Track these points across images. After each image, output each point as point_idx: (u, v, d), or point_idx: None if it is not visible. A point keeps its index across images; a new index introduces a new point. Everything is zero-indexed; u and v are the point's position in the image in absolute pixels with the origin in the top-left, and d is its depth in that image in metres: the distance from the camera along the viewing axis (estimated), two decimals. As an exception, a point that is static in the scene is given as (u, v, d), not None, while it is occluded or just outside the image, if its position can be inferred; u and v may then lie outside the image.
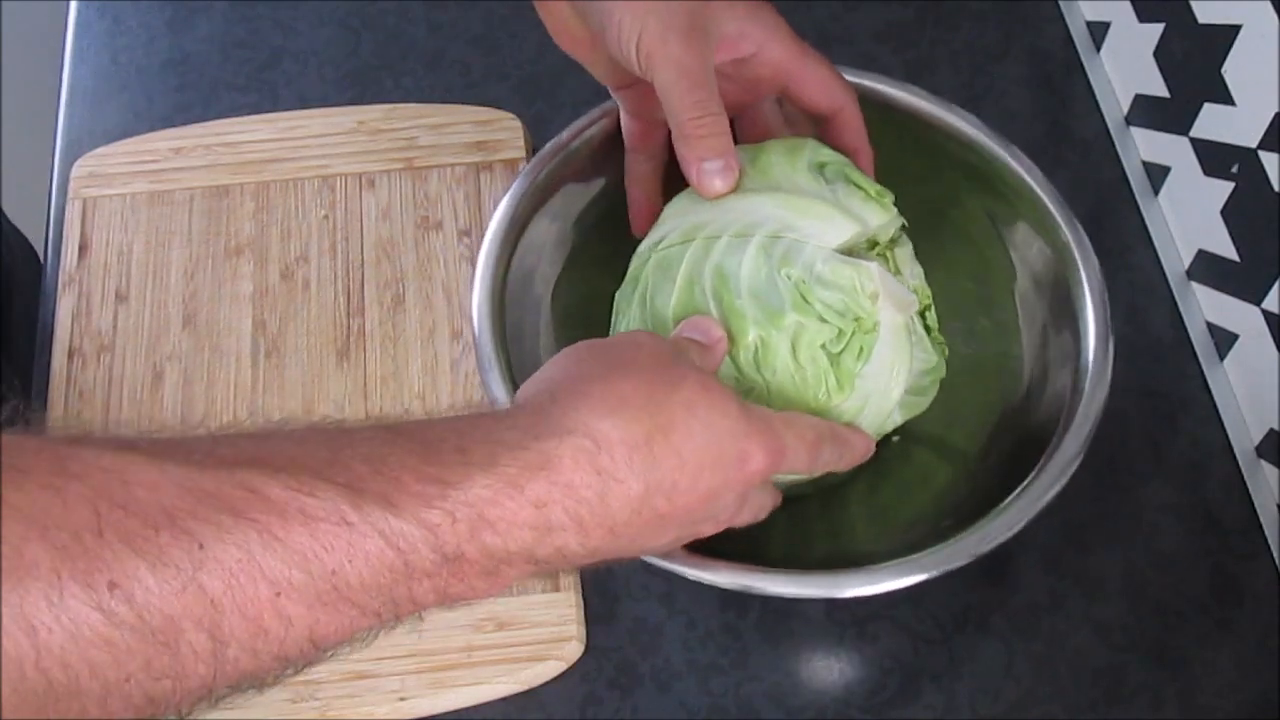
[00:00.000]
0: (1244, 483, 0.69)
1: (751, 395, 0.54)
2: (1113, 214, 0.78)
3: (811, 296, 0.53)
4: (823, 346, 0.53)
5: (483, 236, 0.62)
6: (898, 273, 0.58)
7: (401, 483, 0.40)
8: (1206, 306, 0.74)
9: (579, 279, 0.67)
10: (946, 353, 0.61)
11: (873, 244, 0.57)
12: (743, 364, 0.53)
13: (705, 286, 0.54)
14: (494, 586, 0.43)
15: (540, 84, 0.84)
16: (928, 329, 0.60)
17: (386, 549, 0.39)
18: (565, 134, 0.66)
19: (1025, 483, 0.58)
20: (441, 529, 0.40)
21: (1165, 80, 0.76)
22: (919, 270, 0.61)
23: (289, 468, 0.38)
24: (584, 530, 0.43)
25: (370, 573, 0.39)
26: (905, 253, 0.60)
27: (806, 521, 0.67)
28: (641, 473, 0.44)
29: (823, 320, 0.53)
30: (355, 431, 0.41)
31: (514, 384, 0.61)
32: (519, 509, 0.41)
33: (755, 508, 0.53)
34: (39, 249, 0.81)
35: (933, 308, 0.60)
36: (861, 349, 0.54)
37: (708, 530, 0.50)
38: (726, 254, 0.54)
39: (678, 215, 0.58)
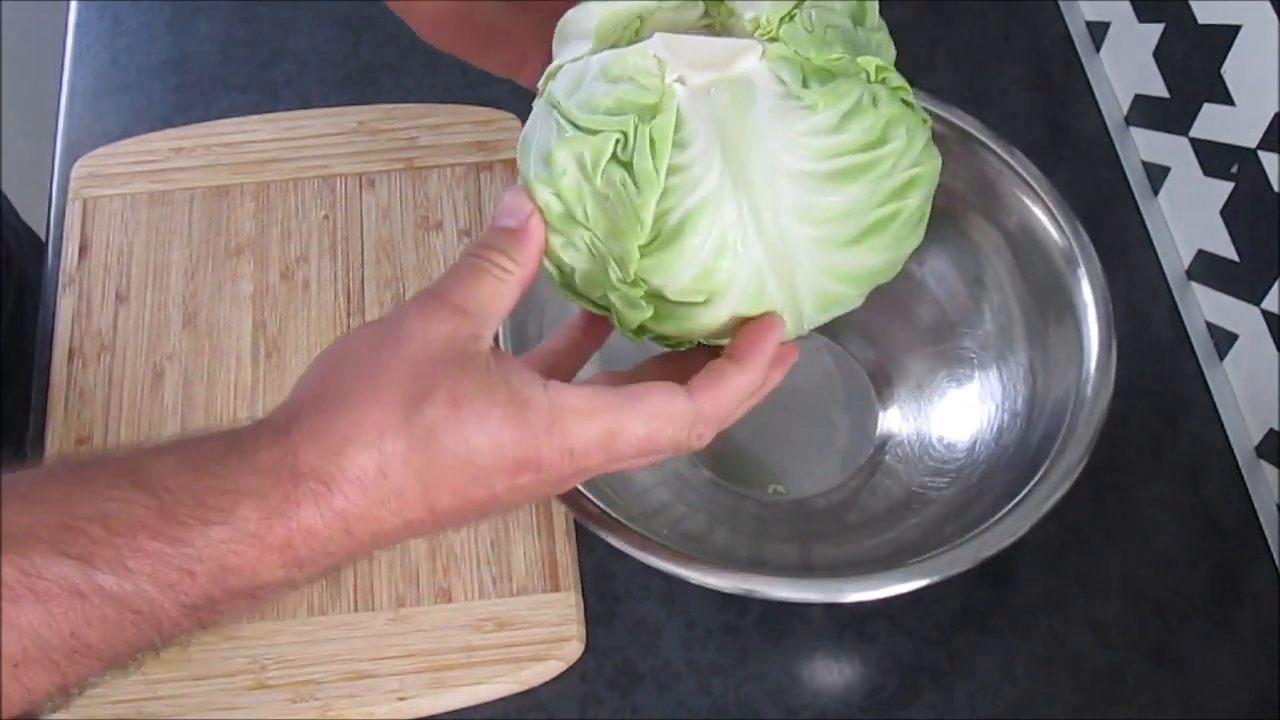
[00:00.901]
0: (1244, 483, 0.69)
1: (590, 248, 0.47)
2: (1113, 214, 0.78)
3: (573, 114, 0.45)
4: (613, 158, 0.45)
5: (482, 236, 0.62)
6: (730, 15, 0.47)
7: (136, 544, 0.40)
8: (1206, 306, 0.74)
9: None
10: (929, 121, 0.49)
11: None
12: (560, 224, 0.46)
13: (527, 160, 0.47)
14: (261, 604, 0.44)
15: (540, 84, 0.84)
16: (830, 73, 0.45)
17: (124, 611, 0.40)
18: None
19: (1027, 489, 0.58)
20: (180, 585, 0.41)
21: (1165, 80, 0.76)
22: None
23: (20, 541, 0.39)
24: (335, 557, 0.43)
25: (111, 632, 0.41)
26: None
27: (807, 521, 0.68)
28: (384, 500, 0.43)
29: (595, 132, 0.45)
30: (97, 478, 0.42)
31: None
32: (262, 554, 0.42)
33: (644, 462, 0.48)
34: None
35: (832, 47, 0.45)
36: (653, 140, 0.44)
37: (565, 487, 0.47)
38: (532, 125, 0.48)
39: None
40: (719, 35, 0.47)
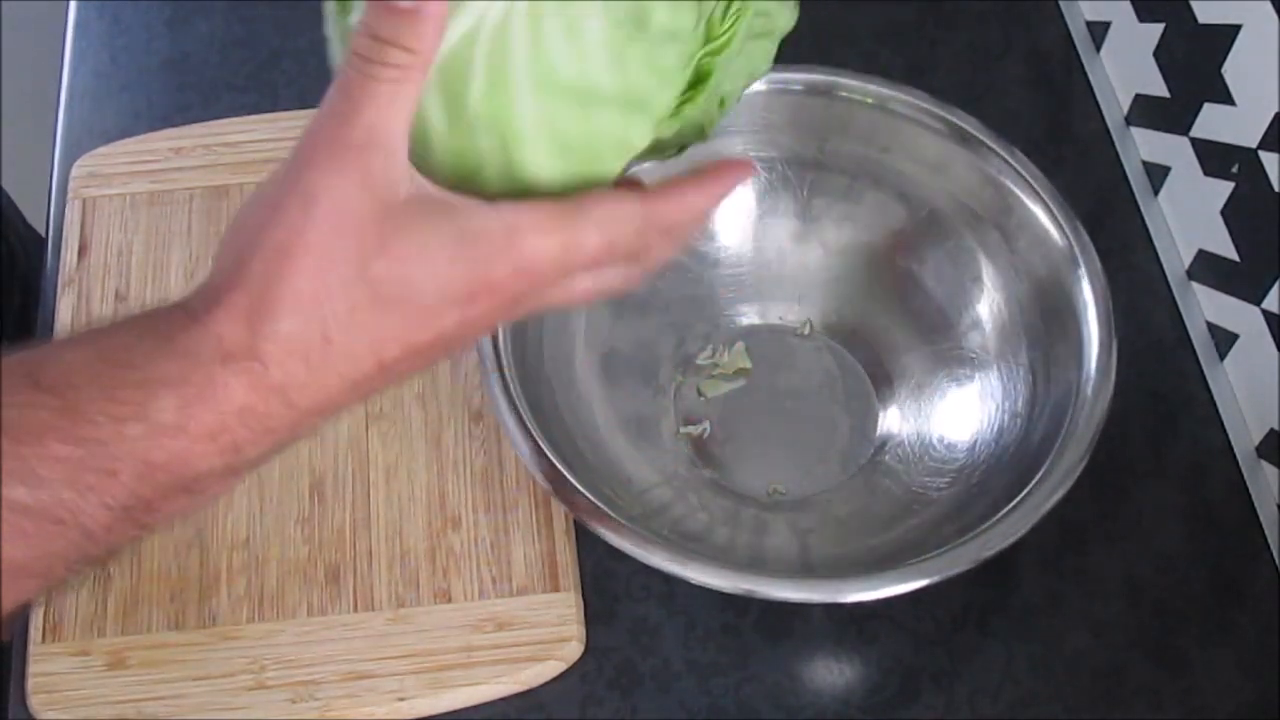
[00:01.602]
0: (1244, 483, 0.69)
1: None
2: (1113, 214, 0.78)
3: None
4: None
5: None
6: None
7: (45, 450, 0.37)
8: (1207, 306, 0.74)
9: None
10: None
11: None
12: None
13: None
14: (204, 496, 0.41)
15: (540, 84, 0.84)
16: None
17: (44, 523, 0.38)
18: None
19: (1027, 489, 0.58)
20: (101, 488, 0.38)
21: (1165, 80, 0.76)
22: None
23: None
24: (278, 433, 0.41)
25: (37, 546, 0.38)
26: None
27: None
28: (332, 364, 0.40)
29: None
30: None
31: (515, 386, 0.61)
32: (190, 444, 0.39)
33: (598, 289, 0.45)
34: (39, 249, 0.81)
35: None
36: None
37: (527, 309, 0.44)
38: None
39: None
40: None
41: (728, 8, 0.43)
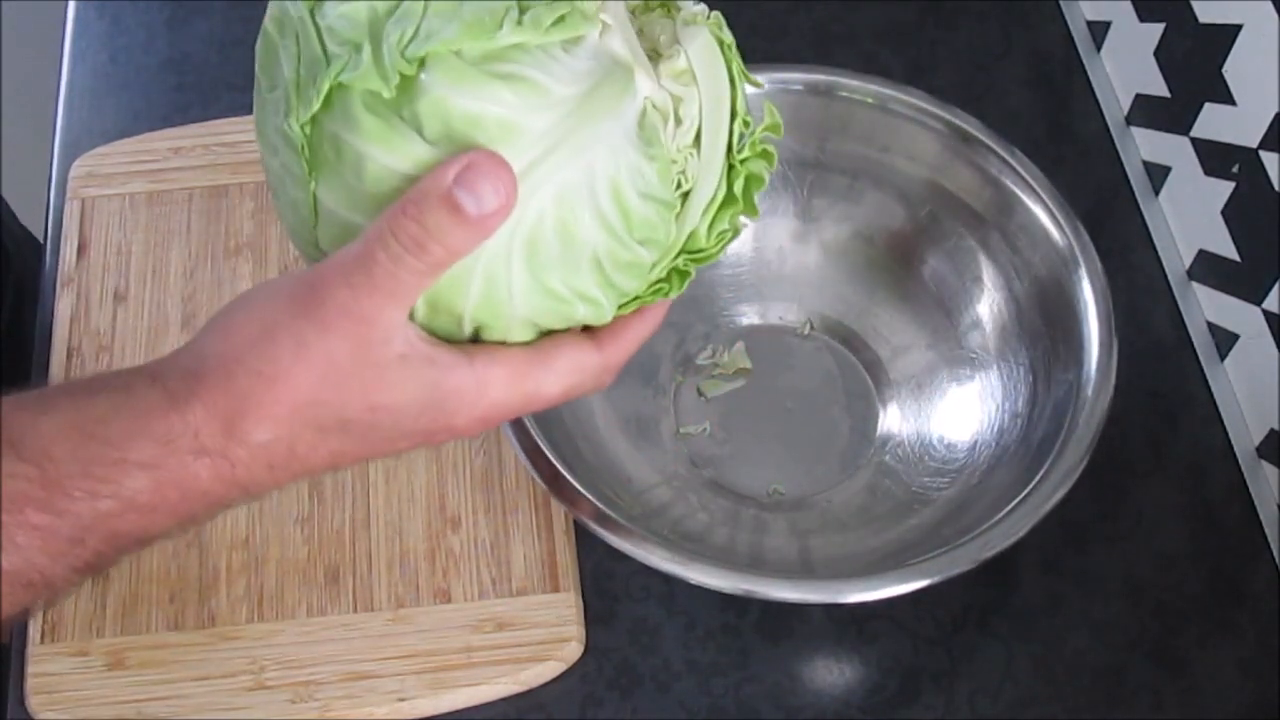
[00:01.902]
0: (1244, 483, 0.69)
1: (405, 2, 0.41)
2: (1113, 214, 0.78)
3: None
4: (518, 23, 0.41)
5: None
6: (665, 58, 0.45)
7: (23, 519, 0.41)
8: (1207, 306, 0.74)
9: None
10: (680, 228, 0.47)
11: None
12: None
13: None
14: (150, 545, 0.45)
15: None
16: (662, 160, 0.44)
17: (16, 586, 0.41)
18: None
19: (1027, 490, 0.58)
20: (71, 553, 0.42)
21: (1166, 80, 0.76)
22: (719, 80, 0.46)
23: None
24: (229, 508, 0.45)
25: (10, 606, 0.41)
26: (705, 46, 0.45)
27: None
28: (292, 472, 0.44)
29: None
30: None
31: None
32: (154, 518, 0.43)
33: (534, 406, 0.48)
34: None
35: (696, 146, 0.46)
36: (565, 19, 0.41)
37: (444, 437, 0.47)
38: None
39: None
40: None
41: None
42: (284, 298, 0.43)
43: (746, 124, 0.46)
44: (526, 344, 0.46)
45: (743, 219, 0.49)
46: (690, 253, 0.48)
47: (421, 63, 0.40)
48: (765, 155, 0.47)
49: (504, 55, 0.41)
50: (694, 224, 0.47)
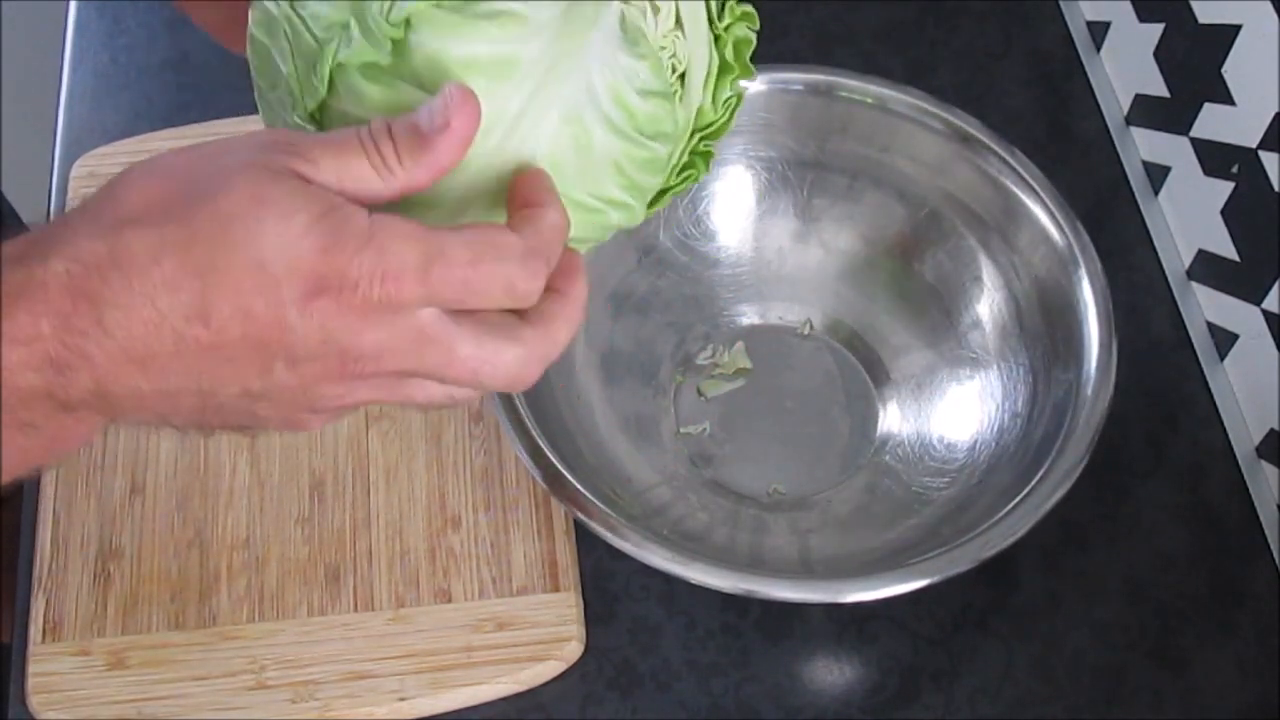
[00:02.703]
0: (1244, 483, 0.69)
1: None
2: (1113, 214, 0.78)
3: None
4: None
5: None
6: None
7: None
8: (1207, 306, 0.74)
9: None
10: (687, 110, 0.47)
11: None
12: None
13: None
14: (45, 440, 0.39)
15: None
16: (649, 44, 0.44)
17: None
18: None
19: (1027, 489, 0.58)
20: None
21: (1165, 80, 0.76)
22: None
23: None
24: (95, 365, 0.37)
25: None
26: None
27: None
28: (152, 293, 0.37)
29: None
30: None
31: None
32: (7, 350, 0.36)
33: (415, 393, 0.41)
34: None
35: (678, 27, 0.46)
36: None
37: (332, 396, 0.40)
38: None
39: None
40: None
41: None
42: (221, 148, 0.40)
43: None
44: None
45: (743, 83, 0.49)
46: (703, 130, 0.48)
47: (407, 23, 0.41)
48: (746, 16, 0.48)
49: None
50: (698, 101, 0.47)
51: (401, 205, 0.41)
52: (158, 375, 0.38)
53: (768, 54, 0.84)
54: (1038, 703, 0.64)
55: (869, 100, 0.68)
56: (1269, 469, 0.69)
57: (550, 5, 0.42)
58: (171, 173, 0.39)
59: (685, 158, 0.49)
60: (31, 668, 0.63)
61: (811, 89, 0.69)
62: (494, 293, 0.40)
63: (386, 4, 0.41)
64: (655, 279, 0.72)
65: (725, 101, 0.49)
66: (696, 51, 0.47)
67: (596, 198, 0.45)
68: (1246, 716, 0.63)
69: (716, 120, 0.49)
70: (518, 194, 0.42)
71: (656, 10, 0.45)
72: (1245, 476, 0.70)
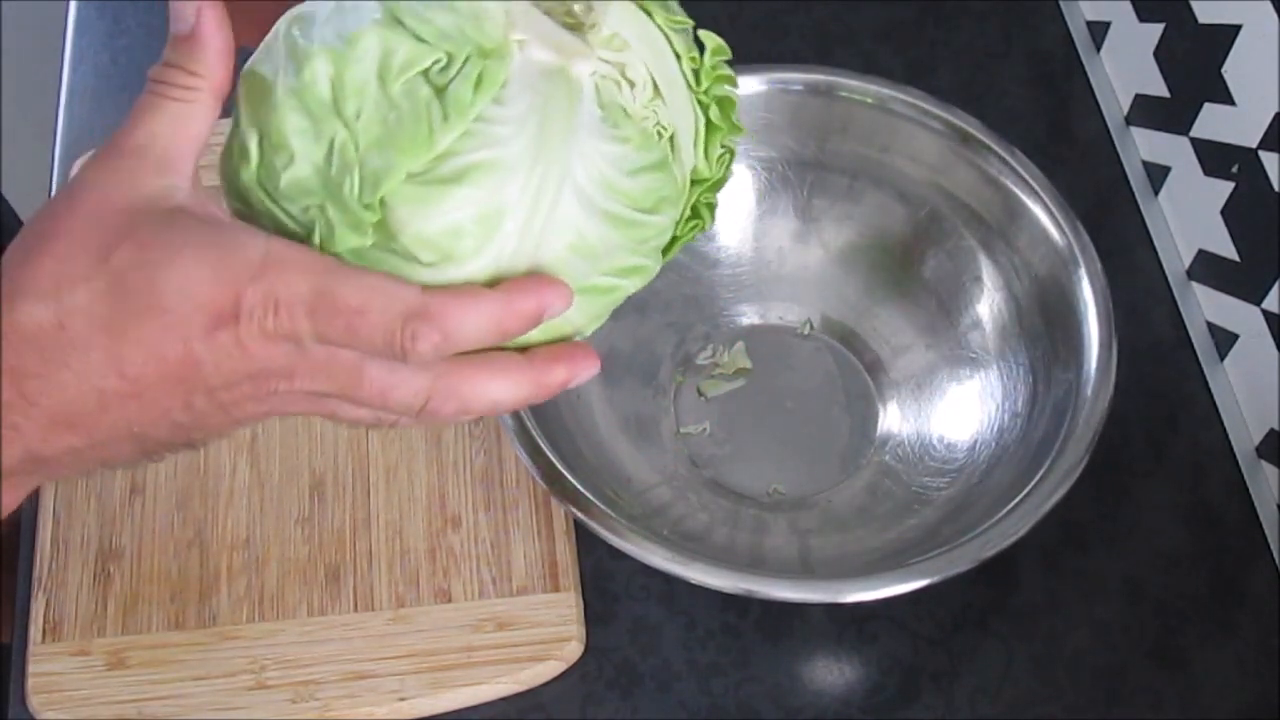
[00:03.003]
0: (1244, 483, 0.69)
1: (337, 151, 0.41)
2: (1113, 214, 0.78)
3: (406, 14, 0.41)
4: (424, 74, 0.41)
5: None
6: (589, 28, 0.44)
7: None
8: (1207, 306, 0.74)
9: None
10: (670, 151, 0.45)
11: None
12: (315, 107, 0.41)
13: (279, 35, 0.43)
14: None
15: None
16: (626, 113, 0.44)
17: None
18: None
19: (1027, 489, 0.58)
20: None
21: (1165, 80, 0.76)
22: (650, 32, 0.45)
23: None
24: (25, 434, 0.39)
25: None
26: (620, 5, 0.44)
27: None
28: (64, 359, 0.38)
29: (420, 41, 0.41)
30: None
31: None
32: None
33: (347, 356, 0.41)
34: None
35: (657, 95, 0.45)
36: (482, 77, 0.40)
37: (256, 407, 0.41)
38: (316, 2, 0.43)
39: None
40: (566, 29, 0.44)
41: None
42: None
43: (694, 59, 0.46)
44: None
45: (743, 83, 0.50)
46: (700, 184, 0.48)
47: (382, 203, 0.41)
48: (724, 78, 0.47)
49: (449, 150, 0.41)
50: (692, 161, 0.47)
51: None
52: (88, 431, 0.40)
53: (768, 54, 0.84)
54: (1038, 703, 0.64)
55: (869, 100, 0.68)
56: (1269, 469, 0.69)
57: (522, 128, 0.41)
58: (58, 238, 0.40)
59: (688, 210, 0.48)
60: (31, 668, 0.63)
61: (811, 89, 0.69)
62: (376, 342, 0.40)
63: (356, 187, 0.41)
64: (655, 279, 0.72)
65: (719, 158, 0.48)
66: (681, 115, 0.46)
67: (610, 277, 0.45)
68: (1246, 716, 0.63)
69: (713, 176, 0.48)
70: (511, 280, 0.43)
71: (632, 84, 0.44)
72: (1245, 476, 0.70)
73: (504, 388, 0.43)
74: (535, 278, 0.42)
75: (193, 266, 0.39)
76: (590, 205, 0.43)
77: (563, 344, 0.45)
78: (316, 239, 0.42)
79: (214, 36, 0.42)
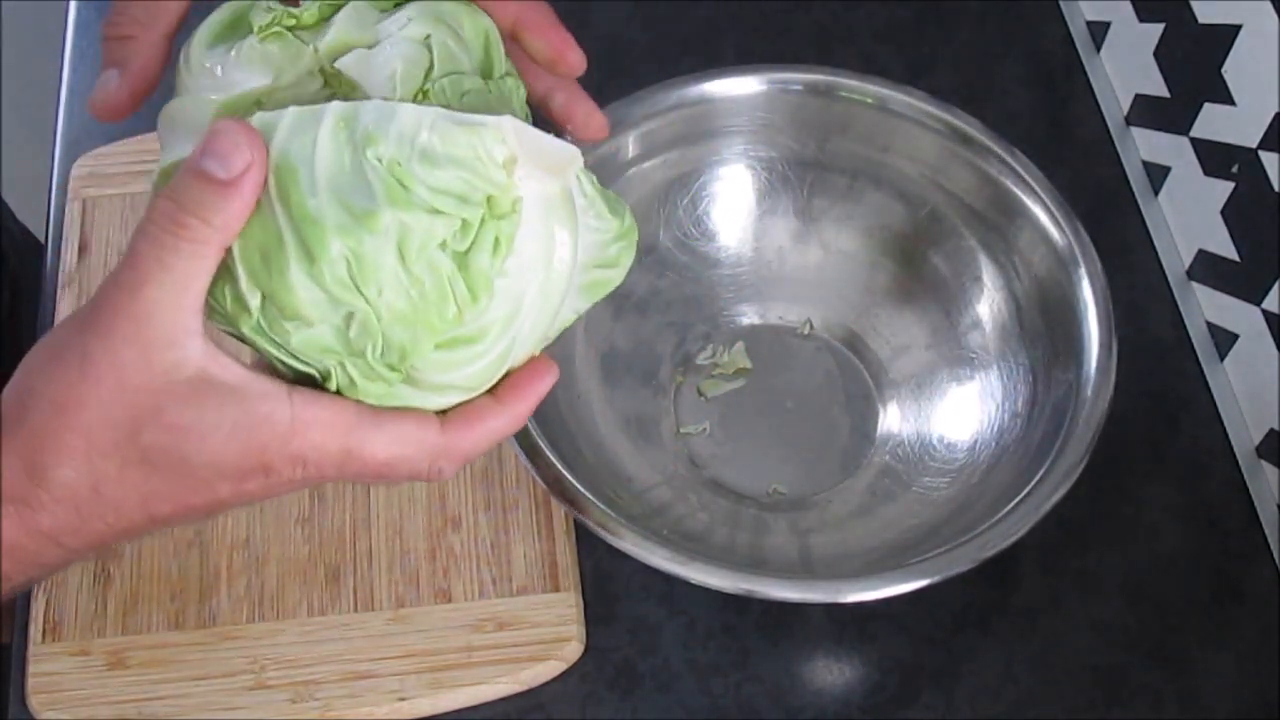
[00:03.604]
0: (1244, 483, 0.69)
1: (359, 324, 0.41)
2: (1113, 214, 0.78)
3: (413, 181, 0.40)
4: (442, 246, 0.41)
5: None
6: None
7: None
8: (1206, 306, 0.74)
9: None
10: (627, 207, 0.47)
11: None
12: (332, 285, 0.40)
13: (269, 184, 0.40)
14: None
15: (540, 84, 0.84)
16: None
17: None
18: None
19: (1027, 489, 0.58)
20: None
21: (1165, 80, 0.76)
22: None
23: None
24: (50, 566, 0.43)
25: None
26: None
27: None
28: (100, 515, 0.42)
29: (436, 212, 0.40)
30: None
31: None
32: None
33: (381, 481, 0.47)
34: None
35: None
36: (498, 241, 0.41)
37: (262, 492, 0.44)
38: (293, 134, 0.41)
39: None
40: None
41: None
42: (73, 318, 0.42)
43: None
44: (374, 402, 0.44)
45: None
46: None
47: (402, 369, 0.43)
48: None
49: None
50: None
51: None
52: (110, 545, 0.44)
53: (768, 54, 0.84)
54: (1038, 703, 0.64)
55: (869, 100, 0.68)
56: (1269, 469, 0.69)
57: (532, 267, 0.43)
58: (81, 410, 0.41)
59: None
60: (31, 668, 0.63)
61: (811, 89, 0.69)
62: (402, 479, 0.45)
63: (380, 348, 0.42)
64: (655, 279, 0.72)
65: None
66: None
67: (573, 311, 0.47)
68: (1246, 716, 0.63)
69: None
70: (504, 384, 0.46)
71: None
72: (1245, 476, 0.70)
73: (488, 434, 0.46)
74: (530, 378, 0.46)
75: (221, 447, 0.41)
76: (578, 287, 0.46)
77: (523, 371, 0.47)
78: (334, 385, 0.43)
79: (251, 195, 0.40)
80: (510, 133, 0.41)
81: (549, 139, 0.43)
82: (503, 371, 0.45)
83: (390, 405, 0.44)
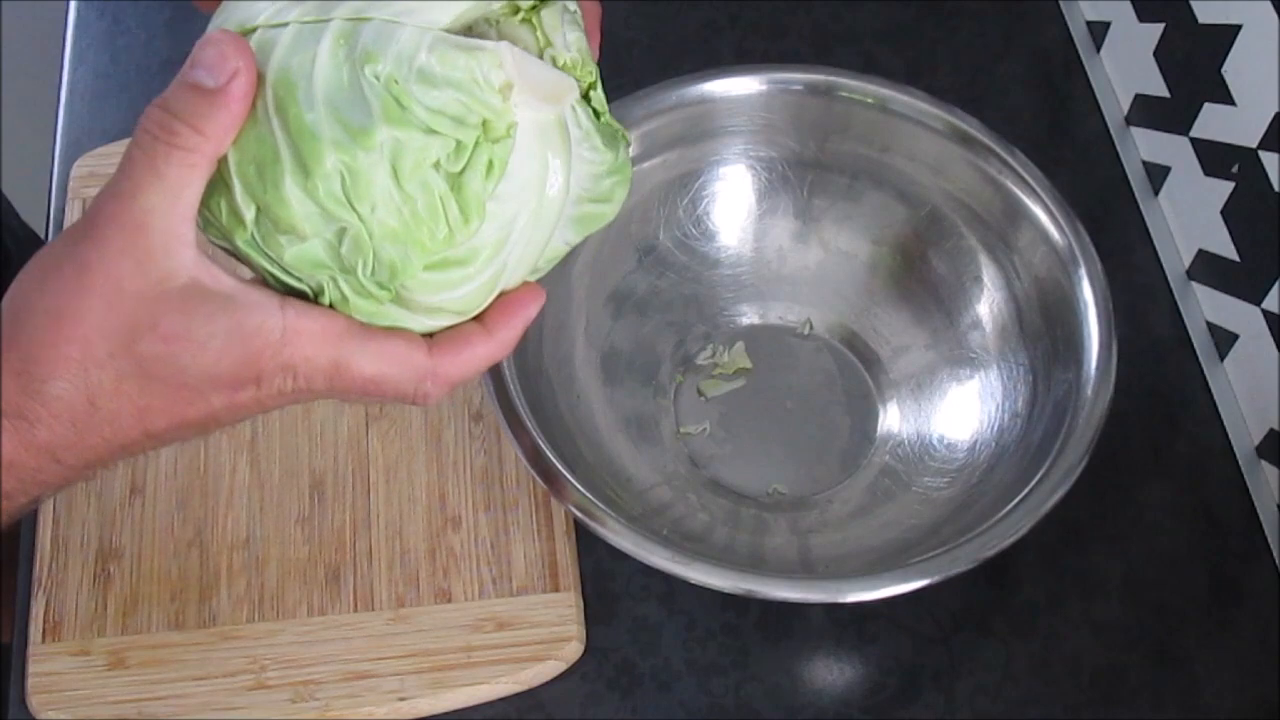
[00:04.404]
0: (1244, 483, 0.69)
1: (351, 240, 0.42)
2: (1113, 214, 0.78)
3: (410, 100, 0.40)
4: (436, 166, 0.41)
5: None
6: (546, 45, 0.45)
7: None
8: (1206, 306, 0.74)
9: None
10: (628, 139, 0.48)
11: (514, 9, 0.45)
12: (325, 199, 0.41)
13: (266, 99, 0.41)
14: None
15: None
16: (596, 114, 0.46)
17: None
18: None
19: (1027, 489, 0.58)
20: None
21: (1165, 80, 0.76)
22: (578, 37, 0.45)
23: None
24: (48, 485, 0.43)
25: None
26: (557, 12, 0.45)
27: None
28: (96, 428, 0.42)
29: (431, 131, 0.40)
30: None
31: (514, 385, 0.61)
32: None
33: (368, 400, 0.48)
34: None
35: (599, 84, 0.46)
36: (492, 163, 0.41)
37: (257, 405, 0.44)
38: (293, 50, 0.41)
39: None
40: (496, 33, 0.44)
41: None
42: (68, 232, 0.42)
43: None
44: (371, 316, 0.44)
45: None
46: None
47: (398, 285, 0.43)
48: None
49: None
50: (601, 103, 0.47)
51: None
52: (106, 464, 0.44)
53: (768, 53, 0.84)
54: (1038, 703, 0.64)
55: (869, 100, 0.68)
56: (1269, 469, 0.69)
57: (523, 192, 0.43)
58: (76, 321, 0.41)
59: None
60: (31, 668, 0.63)
61: (811, 89, 0.69)
62: (388, 399, 0.45)
63: (370, 266, 0.42)
64: (655, 279, 0.72)
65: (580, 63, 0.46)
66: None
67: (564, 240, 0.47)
68: (1246, 716, 0.63)
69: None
70: (491, 311, 0.46)
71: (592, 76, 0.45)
72: (1245, 476, 0.70)
73: (475, 360, 0.46)
74: (518, 304, 0.46)
75: (216, 356, 0.41)
76: (570, 219, 0.46)
77: (510, 297, 0.47)
78: (326, 300, 0.43)
79: (239, 103, 0.41)
80: (508, 59, 0.42)
81: (547, 68, 0.43)
82: (492, 297, 0.46)
83: (381, 324, 0.44)
